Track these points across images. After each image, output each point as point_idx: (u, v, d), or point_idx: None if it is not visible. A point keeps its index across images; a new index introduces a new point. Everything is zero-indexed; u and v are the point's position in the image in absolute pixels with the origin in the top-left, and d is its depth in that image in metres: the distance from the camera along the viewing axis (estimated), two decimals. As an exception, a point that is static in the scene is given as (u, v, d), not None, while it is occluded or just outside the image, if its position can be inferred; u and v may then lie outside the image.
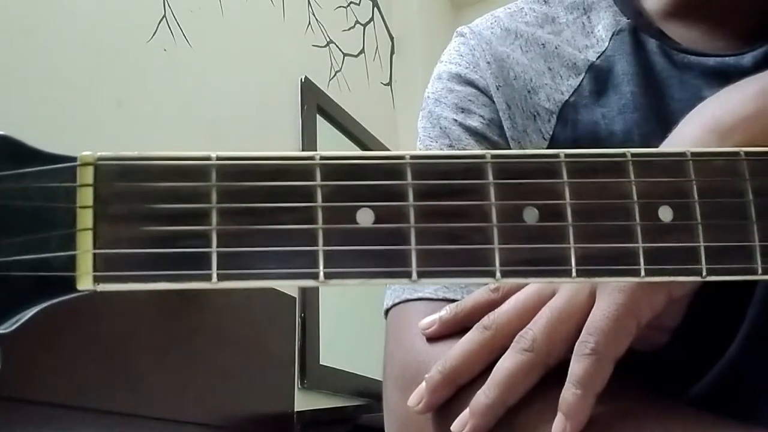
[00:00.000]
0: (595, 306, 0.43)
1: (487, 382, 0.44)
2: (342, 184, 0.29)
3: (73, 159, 0.28)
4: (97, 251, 0.27)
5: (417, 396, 0.47)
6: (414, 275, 0.29)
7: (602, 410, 0.43)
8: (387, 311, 0.58)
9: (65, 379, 1.32)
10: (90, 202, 0.27)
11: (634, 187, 0.34)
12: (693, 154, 0.36)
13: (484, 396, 0.44)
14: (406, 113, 2.84)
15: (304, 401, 2.01)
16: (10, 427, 1.23)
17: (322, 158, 0.29)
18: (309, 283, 0.28)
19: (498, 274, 0.31)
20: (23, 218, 0.27)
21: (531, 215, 0.32)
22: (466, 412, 0.44)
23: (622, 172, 0.34)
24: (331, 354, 2.16)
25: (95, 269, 0.27)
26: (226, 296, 1.77)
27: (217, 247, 0.27)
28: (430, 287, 0.54)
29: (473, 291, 0.53)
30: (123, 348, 1.45)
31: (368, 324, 2.19)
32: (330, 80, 2.50)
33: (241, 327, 1.81)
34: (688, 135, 0.45)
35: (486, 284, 0.49)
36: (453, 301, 0.53)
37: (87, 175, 0.28)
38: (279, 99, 2.21)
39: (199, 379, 1.63)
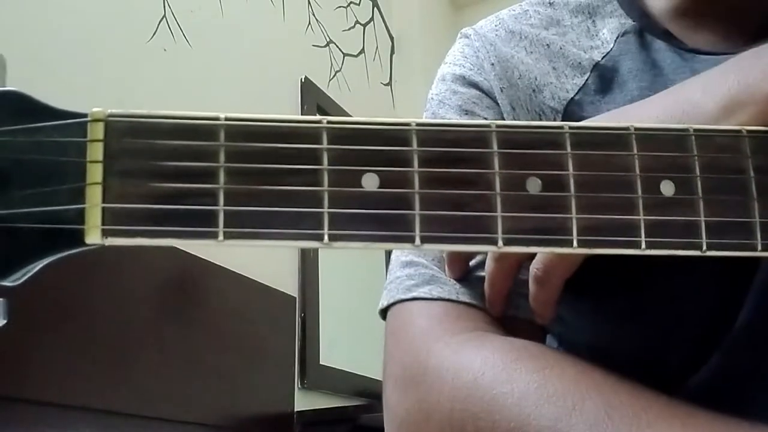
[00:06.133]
0: None
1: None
2: (348, 149, 0.30)
3: (84, 115, 0.28)
4: (105, 205, 0.27)
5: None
6: (417, 240, 0.29)
7: (603, 405, 0.43)
8: (383, 311, 0.58)
9: (64, 379, 1.32)
10: (100, 157, 0.28)
11: (637, 161, 0.35)
12: (696, 130, 0.36)
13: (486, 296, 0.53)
14: (406, 113, 2.84)
15: (304, 401, 2.01)
16: (7, 427, 1.23)
17: (329, 122, 0.29)
18: (313, 244, 0.28)
19: (500, 242, 0.31)
20: (34, 172, 0.27)
21: (534, 185, 0.32)
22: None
23: (626, 146, 0.35)
24: (331, 354, 2.15)
25: (104, 223, 0.27)
26: (227, 296, 1.77)
27: (224, 206, 0.28)
28: (424, 287, 0.55)
29: (466, 292, 0.54)
30: (122, 347, 1.45)
31: (368, 324, 2.18)
32: (330, 80, 2.51)
33: (241, 327, 1.81)
34: (702, 105, 0.44)
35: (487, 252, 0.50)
36: (448, 300, 0.53)
37: (97, 131, 0.28)
38: (279, 99, 2.21)
39: (199, 379, 1.63)
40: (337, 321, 2.24)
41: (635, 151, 0.35)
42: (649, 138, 0.35)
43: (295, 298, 2.08)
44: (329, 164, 0.29)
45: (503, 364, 0.47)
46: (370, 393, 2.14)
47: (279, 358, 1.96)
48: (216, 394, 1.68)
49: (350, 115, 2.50)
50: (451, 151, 0.31)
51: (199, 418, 1.62)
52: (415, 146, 0.30)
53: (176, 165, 0.28)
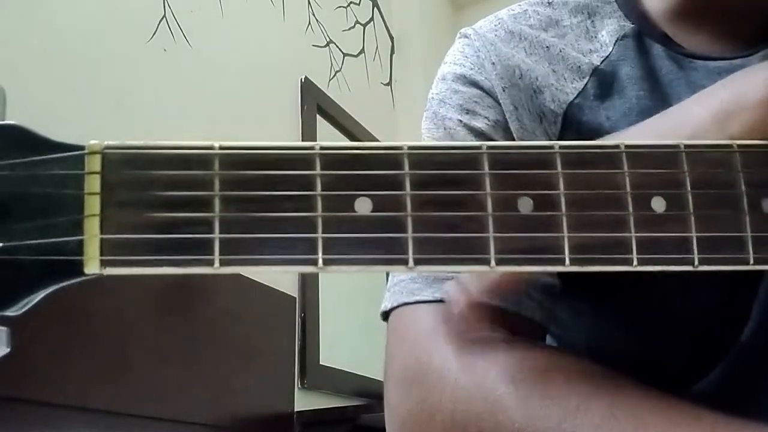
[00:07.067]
0: None
1: None
2: (341, 174, 0.30)
3: (82, 148, 0.29)
4: (104, 236, 0.28)
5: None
6: (411, 263, 0.30)
7: (608, 406, 0.43)
8: (387, 313, 0.58)
9: (64, 379, 1.32)
10: (97, 189, 0.28)
11: (627, 178, 0.35)
12: (686, 146, 0.37)
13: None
14: (406, 113, 2.85)
15: (304, 401, 2.01)
16: (7, 427, 1.23)
17: (322, 148, 0.30)
18: (308, 269, 0.29)
19: (493, 262, 0.31)
20: (33, 204, 0.28)
21: (525, 205, 0.33)
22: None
23: (616, 164, 0.35)
24: (331, 354, 2.16)
25: (102, 254, 0.28)
26: (226, 296, 1.78)
27: (219, 233, 0.28)
28: (428, 290, 0.55)
29: None
30: (122, 347, 1.45)
31: (368, 324, 2.19)
32: (330, 80, 2.51)
33: (242, 327, 1.81)
34: (696, 115, 0.45)
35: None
36: None
37: (95, 163, 0.29)
38: (279, 99, 2.21)
39: (198, 379, 1.63)
40: (337, 321, 2.24)
41: (625, 168, 0.35)
42: (640, 155, 0.35)
43: (295, 298, 2.08)
44: (322, 189, 0.30)
45: (507, 365, 0.47)
46: (370, 393, 2.15)
47: (279, 358, 1.96)
48: (216, 394, 1.68)
49: (350, 115, 2.50)
50: (442, 174, 0.31)
51: (199, 418, 1.62)
52: (407, 169, 0.31)
53: (172, 195, 0.28)
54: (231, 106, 1.95)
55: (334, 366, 2.16)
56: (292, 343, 2.02)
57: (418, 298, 0.55)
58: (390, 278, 0.59)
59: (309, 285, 2.13)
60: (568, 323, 0.58)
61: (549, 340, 0.61)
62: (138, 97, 1.67)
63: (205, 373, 1.65)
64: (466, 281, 0.50)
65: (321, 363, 2.10)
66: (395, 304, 0.56)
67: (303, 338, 2.06)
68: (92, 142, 0.29)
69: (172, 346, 1.57)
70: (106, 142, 0.29)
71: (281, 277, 2.03)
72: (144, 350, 1.50)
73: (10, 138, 0.28)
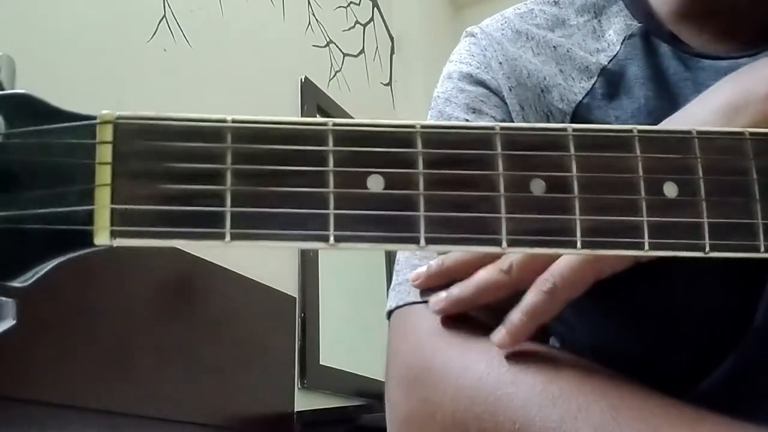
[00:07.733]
0: None
1: (466, 281, 0.51)
2: (354, 150, 0.30)
3: (93, 117, 0.28)
4: (114, 206, 0.27)
5: (416, 275, 0.54)
6: (422, 241, 0.30)
7: (609, 408, 0.43)
8: (390, 312, 0.58)
9: (63, 379, 1.32)
10: (109, 158, 0.28)
11: (640, 163, 0.35)
12: (699, 132, 0.36)
13: (458, 290, 0.51)
14: (406, 113, 2.85)
15: (304, 401, 2.01)
16: (7, 427, 1.23)
17: (335, 124, 0.30)
18: (319, 245, 0.29)
19: (504, 243, 0.31)
20: (43, 173, 0.28)
21: (538, 186, 0.32)
22: (442, 295, 0.52)
23: (629, 148, 0.35)
24: (331, 354, 2.16)
25: (112, 224, 0.28)
26: (226, 296, 1.78)
27: (231, 207, 0.28)
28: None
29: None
30: (122, 347, 1.45)
31: (368, 324, 2.19)
32: (330, 80, 2.51)
33: (241, 327, 1.81)
34: (699, 115, 0.45)
35: (493, 254, 0.50)
36: None
37: (106, 133, 0.28)
38: (279, 99, 2.21)
39: (199, 379, 1.63)
40: (337, 321, 2.24)
41: (638, 152, 0.35)
42: (652, 140, 0.35)
43: (295, 298, 2.08)
44: (335, 166, 0.29)
45: (508, 365, 0.47)
46: (370, 393, 2.15)
47: (279, 358, 1.96)
48: (216, 394, 1.68)
49: (350, 116, 2.51)
50: (455, 153, 0.31)
51: (199, 418, 1.62)
52: (419, 148, 0.31)
53: (184, 167, 0.28)
54: (231, 106, 1.95)
55: (334, 366, 2.16)
56: (292, 343, 2.02)
57: (425, 297, 0.55)
58: (394, 278, 0.59)
59: (309, 285, 2.13)
60: (572, 322, 0.58)
61: (553, 340, 0.61)
62: (138, 97, 1.67)
63: (205, 373, 1.65)
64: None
65: (321, 363, 2.10)
66: (399, 304, 0.56)
67: (303, 338, 2.06)
68: (104, 111, 0.28)
69: (172, 346, 1.57)
70: (118, 113, 0.28)
71: (281, 277, 2.03)
72: (144, 350, 1.50)
73: (20, 107, 0.28)
